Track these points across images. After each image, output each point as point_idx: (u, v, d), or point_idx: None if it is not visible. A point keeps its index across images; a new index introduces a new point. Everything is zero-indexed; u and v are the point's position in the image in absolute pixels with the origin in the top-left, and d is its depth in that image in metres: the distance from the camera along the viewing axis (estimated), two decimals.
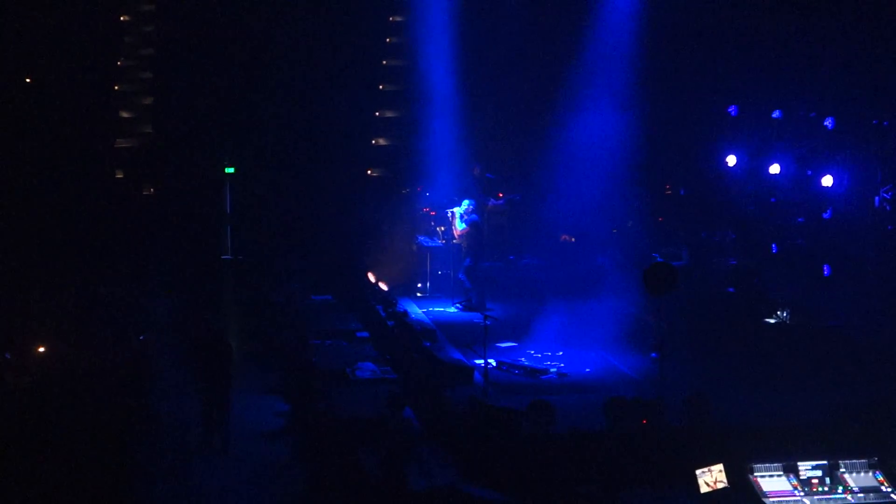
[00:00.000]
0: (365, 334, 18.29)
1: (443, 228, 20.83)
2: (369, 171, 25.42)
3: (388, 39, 26.20)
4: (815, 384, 14.48)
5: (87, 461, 12.20)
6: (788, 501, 11.19)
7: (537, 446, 12.33)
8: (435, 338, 16.55)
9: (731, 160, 22.30)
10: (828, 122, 20.16)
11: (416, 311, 18.92)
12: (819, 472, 11.42)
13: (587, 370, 15.36)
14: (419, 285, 20.54)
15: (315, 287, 21.06)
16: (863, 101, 19.45)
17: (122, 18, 26.97)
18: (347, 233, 22.57)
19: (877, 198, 19.49)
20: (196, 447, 13.70)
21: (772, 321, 17.66)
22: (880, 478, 11.44)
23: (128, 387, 14.54)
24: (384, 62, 26.11)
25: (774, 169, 21.35)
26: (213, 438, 13.81)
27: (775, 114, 21.11)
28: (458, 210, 19.54)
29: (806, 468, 11.42)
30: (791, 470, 11.41)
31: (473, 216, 19.33)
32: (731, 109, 22.04)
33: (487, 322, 14.88)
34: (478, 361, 15.05)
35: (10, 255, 19.50)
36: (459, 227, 19.44)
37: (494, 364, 15.31)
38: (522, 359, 15.93)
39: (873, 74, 19.01)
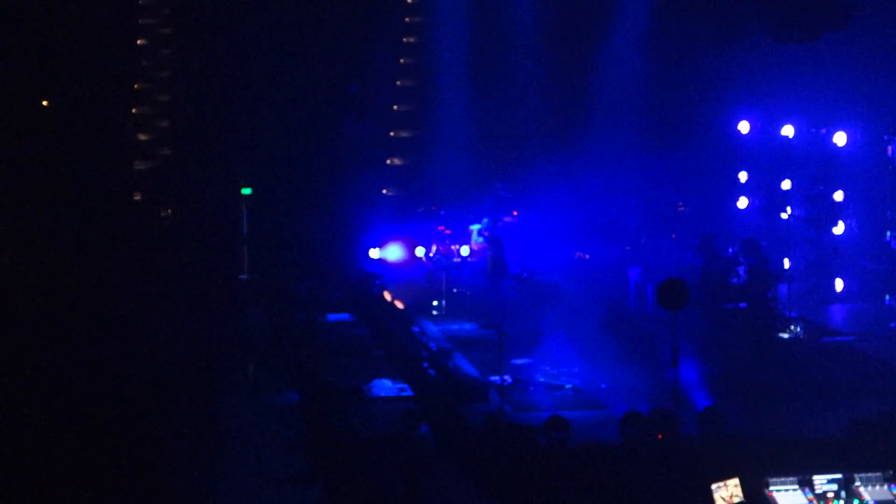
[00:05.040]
0: (382, 352, 18.42)
1: (456, 247, 20.99)
2: (384, 191, 25.59)
3: (401, 60, 26.42)
4: (829, 398, 14.53)
5: (100, 475, 12.39)
6: None
7: (553, 462, 12.42)
8: (451, 355, 16.67)
9: (743, 176, 22.42)
10: (838, 138, 20.26)
11: (432, 328, 19.04)
12: (834, 486, 11.47)
13: (602, 386, 15.45)
14: (435, 303, 20.66)
15: (332, 306, 21.22)
16: (873, 117, 19.56)
17: (138, 42, 27.26)
18: (364, 252, 22.76)
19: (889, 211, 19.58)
20: (187, 458, 13.87)
21: (785, 336, 17.71)
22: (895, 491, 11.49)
23: (144, 402, 14.73)
24: (398, 83, 26.32)
25: (786, 185, 21.46)
26: (202, 451, 14.00)
27: (785, 129, 21.22)
28: (475, 227, 19.71)
29: (821, 482, 11.47)
30: (806, 484, 11.46)
31: (492, 233, 19.50)
32: (742, 126, 22.17)
33: (503, 339, 14.99)
34: (493, 378, 15.16)
35: (28, 276, 19.68)
36: (476, 241, 19.64)
37: (510, 380, 15.42)
38: (538, 375, 16.03)
39: (883, 89, 19.12)
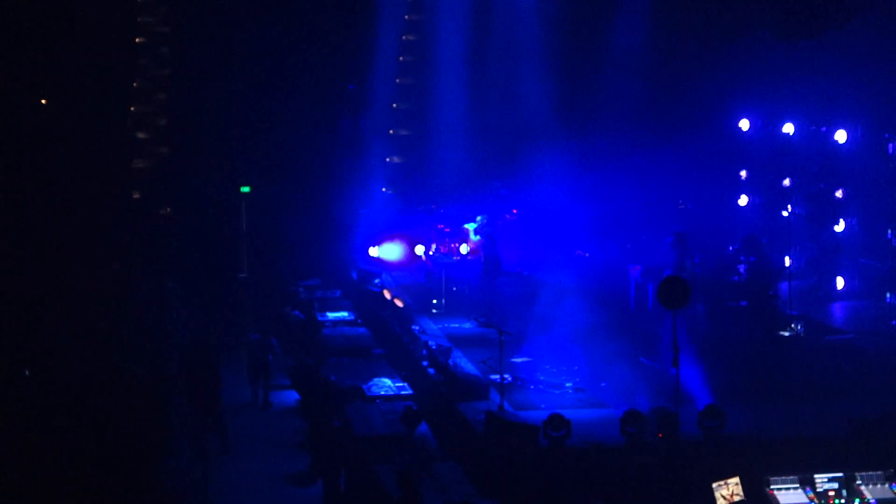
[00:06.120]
0: (381, 351, 18.40)
1: (456, 245, 20.98)
2: (384, 189, 25.58)
3: (399, 58, 26.39)
4: (830, 396, 14.51)
5: (106, 469, 12.39)
6: None
7: (553, 461, 12.40)
8: (450, 354, 16.64)
9: (743, 173, 22.40)
10: (839, 136, 20.22)
11: (431, 327, 19.02)
12: (835, 485, 11.47)
13: (603, 384, 15.42)
14: (434, 301, 20.64)
15: (331, 304, 21.21)
16: (874, 114, 19.53)
17: (137, 40, 27.23)
18: (363, 250, 22.76)
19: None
20: (191, 452, 13.87)
21: (786, 334, 17.69)
22: None
23: (147, 398, 14.74)
24: (397, 81, 26.29)
25: (786, 182, 21.44)
26: (211, 442, 14.01)
27: (786, 127, 21.19)
28: (472, 225, 19.71)
29: (822, 481, 11.47)
30: (808, 483, 11.46)
31: (487, 230, 19.49)
32: (743, 123, 22.14)
33: (503, 337, 14.96)
34: (493, 376, 15.13)
35: (29, 275, 19.67)
36: (473, 239, 19.65)
37: (510, 379, 15.39)
38: (539, 374, 16.00)
39: (884, 87, 19.09)
